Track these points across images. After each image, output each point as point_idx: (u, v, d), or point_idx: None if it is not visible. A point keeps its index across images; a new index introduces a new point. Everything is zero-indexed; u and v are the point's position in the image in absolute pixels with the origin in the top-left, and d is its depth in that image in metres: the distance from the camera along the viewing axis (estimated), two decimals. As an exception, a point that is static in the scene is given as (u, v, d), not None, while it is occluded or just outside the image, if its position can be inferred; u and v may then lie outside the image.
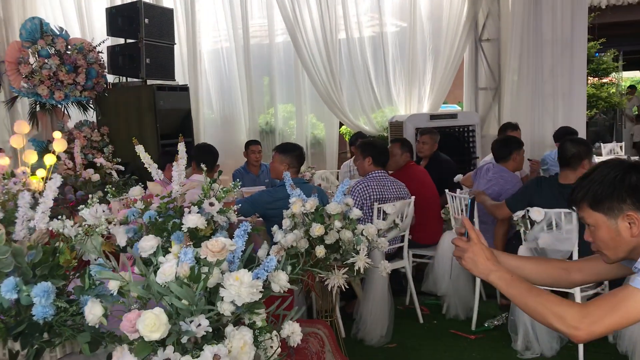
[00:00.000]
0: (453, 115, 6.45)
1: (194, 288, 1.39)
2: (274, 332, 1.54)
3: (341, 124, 7.45)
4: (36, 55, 5.31)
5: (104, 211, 1.64)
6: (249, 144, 5.76)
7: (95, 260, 1.60)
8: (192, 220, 1.87)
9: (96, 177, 4.10)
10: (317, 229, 2.50)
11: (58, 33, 5.44)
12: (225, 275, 1.41)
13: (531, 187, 3.63)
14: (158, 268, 1.42)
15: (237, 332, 1.40)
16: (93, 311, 1.42)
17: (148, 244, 1.50)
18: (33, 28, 5.34)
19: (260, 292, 1.44)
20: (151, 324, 1.24)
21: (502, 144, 4.19)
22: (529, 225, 3.43)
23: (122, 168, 4.61)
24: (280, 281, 1.60)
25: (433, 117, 6.32)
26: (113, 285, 1.44)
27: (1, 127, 6.58)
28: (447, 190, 4.12)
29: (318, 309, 3.09)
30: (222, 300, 1.39)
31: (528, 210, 3.38)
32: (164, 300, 1.38)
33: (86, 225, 1.64)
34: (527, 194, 3.57)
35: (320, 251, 2.49)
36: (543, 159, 5.42)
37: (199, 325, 1.32)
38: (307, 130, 7.37)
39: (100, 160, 4.45)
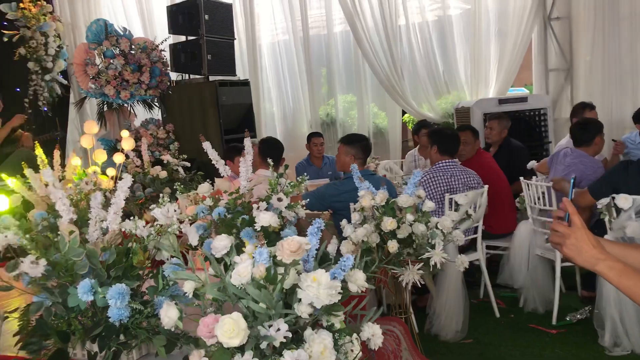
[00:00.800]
0: (523, 99, 6.14)
1: (270, 290, 1.32)
2: (354, 335, 1.46)
3: (404, 112, 7.26)
4: (102, 56, 5.43)
5: (175, 210, 1.60)
6: (311, 136, 5.70)
7: (168, 259, 1.56)
8: (265, 218, 1.80)
9: (164, 174, 4.13)
10: (389, 223, 2.40)
11: (122, 33, 5.55)
12: (302, 276, 1.34)
13: (617, 172, 3.37)
14: (232, 268, 1.36)
15: (317, 335, 1.32)
16: (169, 314, 1.38)
17: (221, 243, 1.45)
18: (98, 30, 5.48)
19: (339, 293, 1.35)
20: (230, 329, 1.18)
21: (583, 128, 3.94)
22: (615, 214, 3.19)
23: (188, 164, 4.64)
24: (358, 280, 1.51)
25: (502, 101, 6.04)
26: (188, 287, 1.39)
27: (72, 128, 6.83)
28: (522, 178, 3.91)
29: (391, 305, 2.99)
30: (300, 302, 1.32)
31: (614, 198, 3.15)
32: (241, 303, 1.31)
33: (158, 225, 1.60)
34: (612, 179, 3.33)
35: (392, 246, 2.38)
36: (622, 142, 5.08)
37: (278, 330, 1.24)
38: (368, 120, 7.22)
39: (166, 157, 4.49)
